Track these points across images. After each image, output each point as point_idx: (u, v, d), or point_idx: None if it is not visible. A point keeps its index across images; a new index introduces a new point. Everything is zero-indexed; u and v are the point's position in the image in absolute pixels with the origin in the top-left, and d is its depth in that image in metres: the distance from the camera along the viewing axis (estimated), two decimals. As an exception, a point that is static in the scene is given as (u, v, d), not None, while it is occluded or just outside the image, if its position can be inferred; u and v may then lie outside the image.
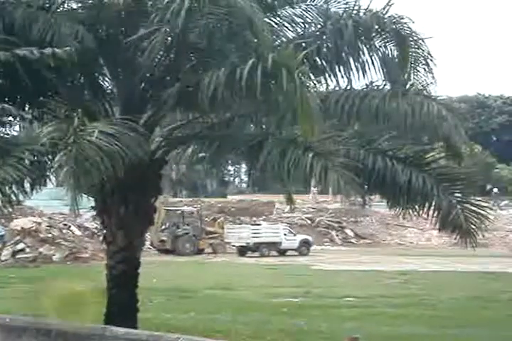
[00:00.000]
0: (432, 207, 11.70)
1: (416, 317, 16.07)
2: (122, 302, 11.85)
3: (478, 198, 13.05)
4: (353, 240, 52.40)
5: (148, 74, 11.49)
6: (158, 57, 11.11)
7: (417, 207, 12.00)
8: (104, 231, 12.23)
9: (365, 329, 13.31)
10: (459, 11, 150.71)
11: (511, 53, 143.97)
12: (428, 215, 11.96)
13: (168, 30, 10.29)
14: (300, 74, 9.18)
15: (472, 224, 11.76)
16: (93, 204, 12.23)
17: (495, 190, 59.38)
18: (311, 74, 10.25)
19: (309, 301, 19.53)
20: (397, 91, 11.23)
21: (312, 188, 47.78)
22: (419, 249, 47.50)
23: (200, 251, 43.38)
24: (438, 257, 39.79)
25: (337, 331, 13.17)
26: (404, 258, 39.38)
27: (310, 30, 11.71)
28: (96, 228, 37.09)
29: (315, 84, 10.55)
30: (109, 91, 12.12)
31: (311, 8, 11.67)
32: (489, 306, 18.38)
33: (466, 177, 12.36)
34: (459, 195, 11.93)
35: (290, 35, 11.74)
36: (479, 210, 11.97)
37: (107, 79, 12.03)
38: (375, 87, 11.44)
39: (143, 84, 11.64)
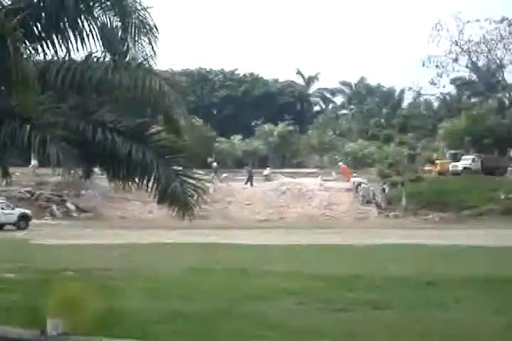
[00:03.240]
0: (152, 180, 11.81)
1: (135, 290, 16.12)
2: None
3: (199, 171, 13.35)
4: (74, 214, 51.73)
5: None
6: None
7: (137, 179, 12.05)
8: None
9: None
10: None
11: (231, 28, 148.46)
12: (148, 188, 12.05)
13: None
14: (14, 41, 8.77)
15: (190, 196, 12.02)
16: None
17: (214, 164, 61.29)
18: (27, 42, 9.85)
19: (26, 276, 18.97)
20: (119, 64, 11.14)
21: (32, 161, 46.47)
22: (141, 222, 47.98)
23: None
24: (159, 229, 40.47)
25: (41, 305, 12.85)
26: (126, 231, 39.59)
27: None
28: None
29: (31, 52, 10.16)
30: None
31: None
32: (204, 277, 18.87)
33: (187, 151, 12.59)
34: (179, 167, 12.13)
35: (5, 1, 11.15)
36: (197, 183, 12.26)
37: None
38: (95, 59, 11.26)
39: None
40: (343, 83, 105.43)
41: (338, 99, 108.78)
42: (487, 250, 27.72)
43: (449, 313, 13.61)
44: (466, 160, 62.46)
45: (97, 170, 13.60)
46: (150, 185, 11.96)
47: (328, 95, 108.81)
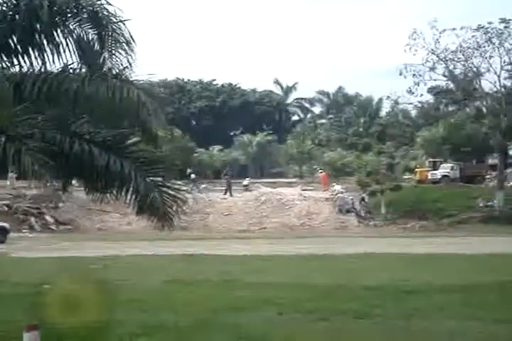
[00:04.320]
0: (130, 191, 11.72)
1: (116, 302, 15.96)
2: None
3: (178, 182, 13.28)
4: (52, 226, 51.31)
5: None
6: None
7: (115, 191, 11.96)
8: None
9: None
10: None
11: (209, 38, 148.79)
12: (127, 199, 11.96)
13: None
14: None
15: (169, 207, 11.95)
16: None
17: (193, 175, 61.18)
18: (3, 56, 9.77)
19: (5, 290, 18.76)
20: (96, 75, 11.07)
21: (9, 173, 46.06)
22: (120, 234, 47.67)
23: None
24: (139, 241, 40.21)
25: (17, 319, 12.69)
26: (105, 243, 39.32)
27: (1, 10, 11.11)
28: None
29: (8, 65, 10.08)
30: None
31: None
32: (185, 288, 18.76)
33: (166, 161, 12.53)
34: (158, 178, 12.06)
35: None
36: (177, 194, 12.19)
37: None
38: (71, 70, 11.19)
39: None
40: (321, 92, 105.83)
41: (317, 109, 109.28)
42: (467, 258, 27.78)
43: (431, 322, 13.61)
44: (445, 169, 62.77)
45: (74, 182, 13.48)
46: (128, 196, 11.88)
47: (307, 105, 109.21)
